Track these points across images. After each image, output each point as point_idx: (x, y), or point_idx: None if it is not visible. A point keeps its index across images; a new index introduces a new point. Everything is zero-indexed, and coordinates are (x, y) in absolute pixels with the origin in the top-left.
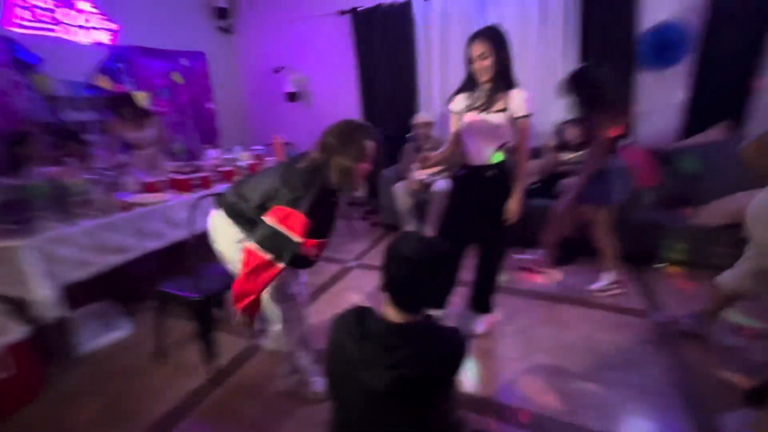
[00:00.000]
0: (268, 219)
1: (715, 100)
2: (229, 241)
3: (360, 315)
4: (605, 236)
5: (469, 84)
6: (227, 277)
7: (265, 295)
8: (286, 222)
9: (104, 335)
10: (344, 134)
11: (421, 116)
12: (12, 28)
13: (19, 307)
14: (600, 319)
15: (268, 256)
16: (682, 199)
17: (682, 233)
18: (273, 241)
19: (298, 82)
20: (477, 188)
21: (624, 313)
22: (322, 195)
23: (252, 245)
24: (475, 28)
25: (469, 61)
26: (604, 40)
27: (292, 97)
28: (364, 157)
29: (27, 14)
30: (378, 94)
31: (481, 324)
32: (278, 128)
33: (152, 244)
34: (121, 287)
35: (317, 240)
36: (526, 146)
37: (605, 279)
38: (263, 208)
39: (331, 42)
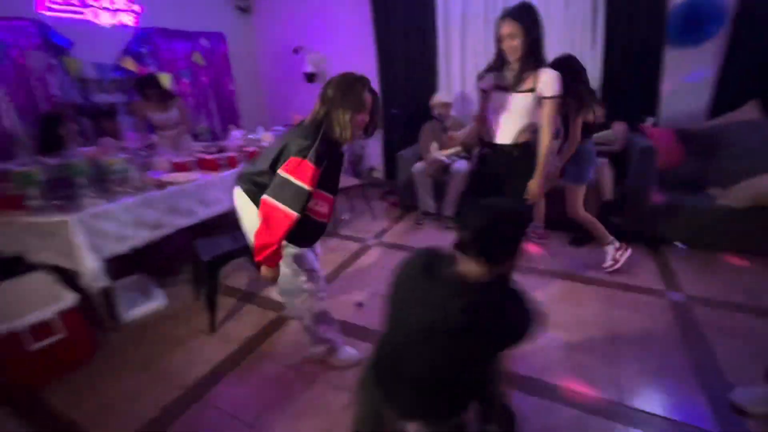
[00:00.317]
0: (280, 171)
1: (746, 78)
2: (251, 217)
3: (435, 256)
4: (582, 213)
5: (498, 61)
6: (240, 241)
7: (285, 269)
8: (296, 172)
9: (143, 305)
10: (343, 86)
11: (440, 96)
12: (44, 12)
13: (68, 277)
14: (616, 297)
15: (281, 206)
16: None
17: (707, 214)
18: (284, 191)
19: (316, 62)
20: (501, 167)
21: (641, 292)
22: (327, 146)
23: (266, 197)
24: (496, 8)
25: (499, 40)
26: (631, 13)
27: (310, 77)
28: (363, 108)
29: None
30: (397, 74)
31: None
32: (297, 109)
33: (184, 221)
34: (152, 261)
35: (326, 194)
36: (550, 127)
37: (609, 254)
38: (275, 169)
39: (349, 22)
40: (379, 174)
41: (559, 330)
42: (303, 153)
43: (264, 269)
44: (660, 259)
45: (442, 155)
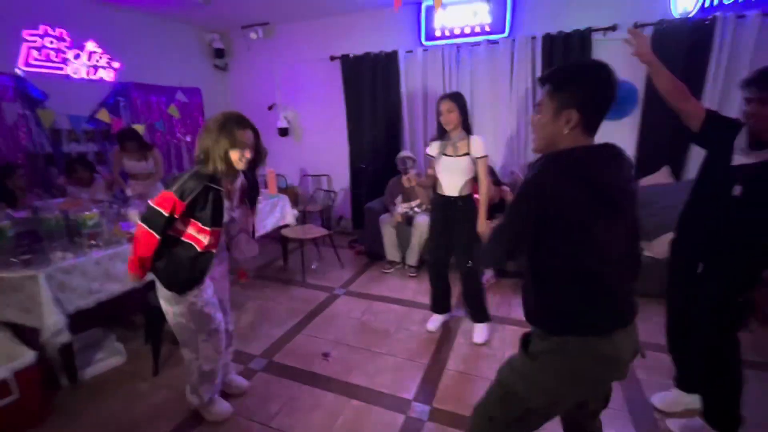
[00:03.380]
0: (151, 201)
1: (658, 148)
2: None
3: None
4: None
5: (440, 132)
6: None
7: (189, 323)
8: (159, 201)
9: (102, 362)
10: (217, 125)
11: (405, 153)
12: (23, 67)
13: (26, 334)
14: None
15: (144, 226)
16: None
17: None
18: (147, 214)
19: (289, 118)
20: (450, 213)
21: None
22: (197, 181)
23: (138, 222)
24: (451, 77)
25: (439, 114)
26: None
27: (283, 132)
28: (238, 144)
29: (37, 54)
30: (365, 131)
31: (480, 334)
32: (270, 162)
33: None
34: (110, 313)
35: (203, 226)
36: (485, 179)
37: None
38: None
39: (321, 82)
40: (347, 224)
41: None
42: (171, 186)
43: (131, 275)
44: None
45: (405, 208)
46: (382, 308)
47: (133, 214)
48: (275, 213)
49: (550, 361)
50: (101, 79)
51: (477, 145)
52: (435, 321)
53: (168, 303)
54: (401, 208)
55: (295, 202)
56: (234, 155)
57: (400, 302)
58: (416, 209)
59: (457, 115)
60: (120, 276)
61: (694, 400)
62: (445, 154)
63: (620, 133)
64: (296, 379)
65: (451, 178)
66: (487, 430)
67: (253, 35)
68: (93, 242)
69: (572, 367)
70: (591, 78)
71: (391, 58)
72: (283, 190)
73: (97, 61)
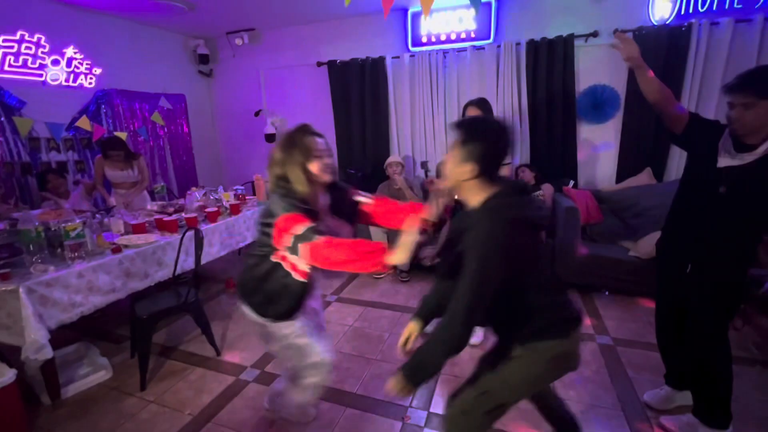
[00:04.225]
0: (283, 236)
1: (640, 150)
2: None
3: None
4: None
5: None
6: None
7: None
8: (291, 222)
9: (86, 378)
10: (284, 144)
11: (393, 158)
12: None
13: (3, 350)
14: None
15: (308, 243)
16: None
17: (622, 264)
18: (305, 234)
19: (276, 124)
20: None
21: None
22: (295, 206)
23: (288, 254)
24: (439, 83)
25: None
26: (548, 96)
27: (270, 138)
28: (314, 153)
29: (13, 60)
30: (353, 137)
31: (477, 336)
32: (257, 168)
33: (139, 285)
34: (94, 326)
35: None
36: None
37: None
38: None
39: (309, 88)
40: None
41: None
42: (275, 212)
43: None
44: (590, 306)
45: None
46: (374, 314)
47: (116, 224)
48: None
49: (524, 363)
50: (81, 86)
51: None
52: (431, 325)
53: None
54: None
55: None
56: (314, 167)
57: (393, 308)
58: None
59: None
60: (104, 288)
61: (684, 397)
62: None
63: (603, 135)
64: None
65: None
66: (462, 422)
67: (238, 41)
68: (75, 254)
69: (542, 366)
70: (491, 136)
71: (378, 64)
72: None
73: (77, 67)
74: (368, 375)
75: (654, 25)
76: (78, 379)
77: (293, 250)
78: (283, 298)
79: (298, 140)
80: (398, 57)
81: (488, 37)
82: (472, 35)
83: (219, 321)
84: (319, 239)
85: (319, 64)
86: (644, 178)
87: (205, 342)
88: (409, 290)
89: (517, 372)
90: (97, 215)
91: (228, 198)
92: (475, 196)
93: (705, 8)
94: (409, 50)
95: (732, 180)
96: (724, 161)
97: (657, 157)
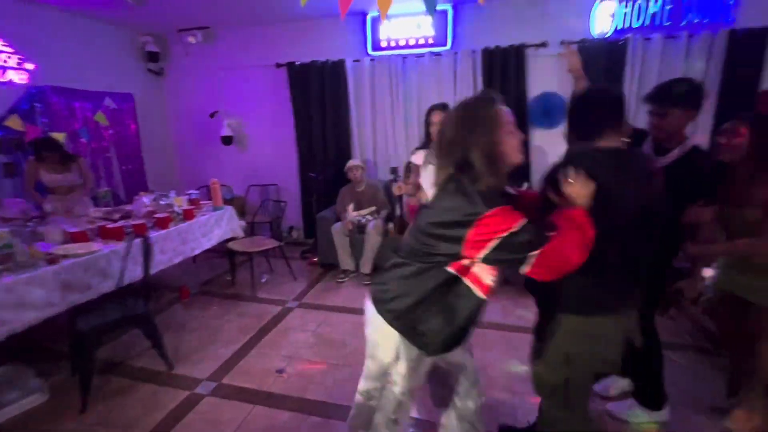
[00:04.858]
0: (488, 245)
1: None
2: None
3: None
4: None
5: (427, 142)
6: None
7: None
8: (508, 220)
9: (18, 402)
10: (462, 118)
11: (355, 161)
12: None
13: None
14: (515, 340)
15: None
16: None
17: None
18: (532, 238)
19: (233, 126)
20: None
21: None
22: (495, 198)
23: (527, 269)
24: (399, 87)
25: (430, 124)
26: (503, 102)
27: (227, 140)
28: (505, 128)
29: None
30: (314, 140)
31: None
32: (212, 171)
33: (79, 297)
34: (28, 344)
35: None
36: None
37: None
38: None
39: (267, 90)
40: (298, 234)
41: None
42: (486, 205)
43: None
44: None
45: (357, 215)
46: (337, 319)
47: (52, 233)
48: (221, 225)
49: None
50: (11, 82)
51: None
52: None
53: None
54: (353, 216)
55: (242, 213)
56: (508, 144)
57: (357, 311)
58: (368, 217)
59: None
60: (38, 302)
61: (627, 383)
62: (432, 163)
63: (554, 140)
64: (249, 401)
65: None
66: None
67: (191, 39)
68: (2, 266)
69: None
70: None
71: (338, 67)
72: (228, 201)
73: (5, 61)
74: (331, 381)
75: (595, 39)
76: (8, 404)
77: (509, 256)
78: (449, 322)
79: (483, 112)
80: (358, 61)
81: (446, 44)
82: (431, 41)
83: (172, 332)
84: (549, 238)
85: (278, 65)
86: None
87: (157, 356)
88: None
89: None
90: (29, 223)
91: (180, 203)
92: None
93: (639, 24)
94: (369, 54)
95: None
96: None
97: None
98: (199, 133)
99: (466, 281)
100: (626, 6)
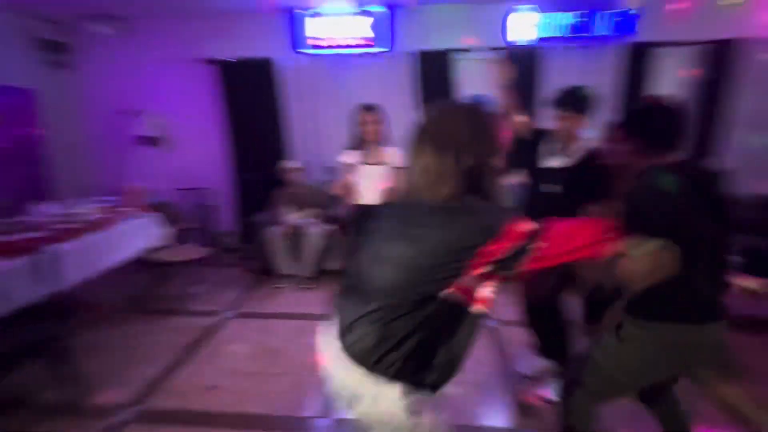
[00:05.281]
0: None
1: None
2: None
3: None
4: None
5: (357, 141)
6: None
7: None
8: (517, 235)
9: None
10: (474, 123)
11: (291, 162)
12: None
13: None
14: None
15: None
16: None
17: None
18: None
19: (155, 125)
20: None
21: None
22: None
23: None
24: (336, 87)
25: (360, 124)
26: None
27: (148, 141)
28: (498, 144)
29: None
30: (246, 141)
31: None
32: (134, 175)
33: None
34: None
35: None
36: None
37: None
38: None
39: (194, 87)
40: (232, 240)
41: None
42: (503, 216)
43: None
44: None
45: (296, 218)
46: (277, 326)
47: None
48: (143, 234)
49: (640, 345)
50: None
51: (395, 155)
52: None
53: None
54: (291, 218)
55: (168, 220)
56: (497, 165)
57: (297, 317)
58: (308, 219)
59: (380, 126)
60: None
61: (552, 365)
62: (367, 163)
63: None
64: (181, 423)
65: (374, 186)
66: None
67: (104, 29)
68: None
69: (660, 350)
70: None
71: (270, 65)
72: (153, 207)
73: None
74: (271, 391)
75: (514, 46)
76: None
77: (513, 262)
78: (452, 349)
79: (491, 124)
80: (292, 59)
81: (384, 45)
82: (369, 42)
83: (90, 356)
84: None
85: (206, 61)
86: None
87: (69, 385)
88: (315, 297)
89: (632, 351)
90: None
91: (94, 211)
92: None
93: (549, 35)
94: (303, 53)
95: (563, 179)
96: (551, 162)
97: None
98: (117, 133)
99: (464, 300)
100: (544, 17)
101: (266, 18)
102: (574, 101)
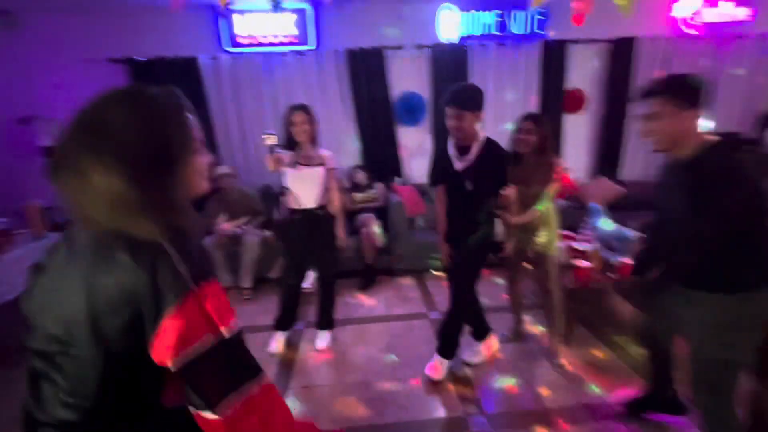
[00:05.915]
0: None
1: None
2: None
3: None
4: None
5: (289, 143)
6: None
7: None
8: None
9: None
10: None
11: (223, 168)
12: None
13: None
14: (395, 328)
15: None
16: None
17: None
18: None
19: (57, 133)
20: (309, 224)
21: (412, 318)
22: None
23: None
24: (262, 86)
25: (291, 124)
26: (370, 102)
27: (48, 151)
28: (192, 147)
29: None
30: None
31: (323, 340)
32: (30, 192)
33: None
34: None
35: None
36: (336, 190)
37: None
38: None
39: (99, 90)
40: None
41: (353, 373)
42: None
43: None
44: (422, 287)
45: (231, 226)
46: None
47: None
48: None
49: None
50: None
51: (328, 156)
52: (277, 340)
53: None
54: (227, 226)
55: None
56: (196, 168)
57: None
58: (243, 227)
59: (311, 127)
60: None
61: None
62: (299, 164)
63: (419, 136)
64: None
65: (310, 189)
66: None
67: None
68: None
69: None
70: None
71: (191, 65)
72: (57, 226)
73: None
74: None
75: (444, 44)
76: None
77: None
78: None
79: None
80: (215, 58)
81: (310, 43)
82: (295, 40)
83: None
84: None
85: (114, 60)
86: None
87: None
88: (256, 307)
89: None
90: None
91: None
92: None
93: (479, 33)
94: (226, 51)
95: (470, 178)
96: (457, 164)
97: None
98: (7, 144)
99: None
100: (467, 16)
101: (188, 15)
102: (459, 99)
